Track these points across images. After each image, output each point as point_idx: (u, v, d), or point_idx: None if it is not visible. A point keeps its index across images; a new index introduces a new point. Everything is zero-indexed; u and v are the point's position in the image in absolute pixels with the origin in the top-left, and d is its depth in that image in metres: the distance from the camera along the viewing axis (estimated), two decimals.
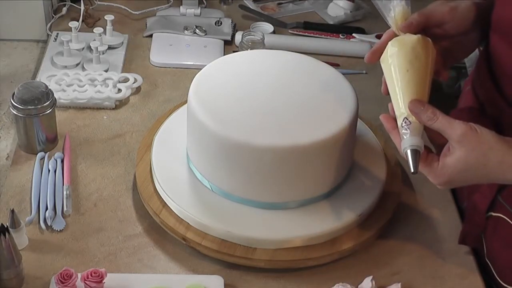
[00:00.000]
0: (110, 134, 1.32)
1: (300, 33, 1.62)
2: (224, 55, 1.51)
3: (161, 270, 1.08)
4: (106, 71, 1.43)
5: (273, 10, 1.70)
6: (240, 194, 1.10)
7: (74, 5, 1.63)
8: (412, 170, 0.93)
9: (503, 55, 1.03)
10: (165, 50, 1.53)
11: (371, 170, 1.19)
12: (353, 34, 1.61)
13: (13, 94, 1.22)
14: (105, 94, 1.36)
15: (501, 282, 1.10)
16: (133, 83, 1.42)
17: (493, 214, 1.09)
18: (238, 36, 1.53)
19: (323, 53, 1.54)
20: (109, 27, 1.52)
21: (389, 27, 1.02)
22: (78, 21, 1.53)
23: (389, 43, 0.99)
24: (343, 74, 1.18)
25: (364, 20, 1.68)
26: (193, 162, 1.16)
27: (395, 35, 1.01)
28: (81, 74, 1.41)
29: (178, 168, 1.17)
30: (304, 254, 1.08)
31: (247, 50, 1.38)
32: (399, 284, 1.06)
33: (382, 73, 1.00)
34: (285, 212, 1.11)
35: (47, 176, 1.20)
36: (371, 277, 1.06)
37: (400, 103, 0.96)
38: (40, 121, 1.23)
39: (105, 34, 1.52)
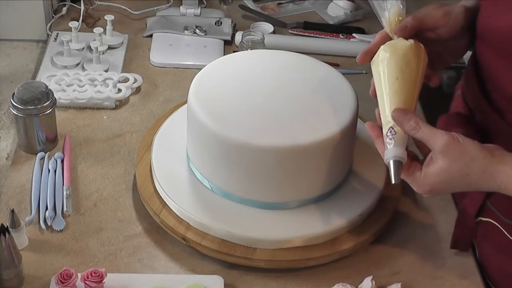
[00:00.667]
0: (110, 134, 1.32)
1: (300, 33, 1.62)
2: (224, 55, 1.51)
3: (161, 270, 1.09)
4: (106, 71, 1.43)
5: (273, 10, 1.70)
6: (240, 194, 1.10)
7: (74, 5, 1.63)
8: (393, 181, 0.94)
9: (488, 62, 1.03)
10: (165, 50, 1.53)
11: (371, 170, 1.19)
12: (353, 34, 1.61)
13: (13, 94, 1.22)
14: (105, 94, 1.36)
15: (493, 287, 1.10)
16: (133, 83, 1.42)
17: (483, 219, 1.09)
18: (238, 36, 1.53)
19: (323, 53, 1.54)
20: (109, 27, 1.52)
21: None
22: (78, 21, 1.53)
23: (381, 47, 0.99)
24: (343, 74, 1.18)
25: (364, 20, 1.68)
26: (193, 162, 1.16)
27: (388, 37, 1.01)
28: (81, 74, 1.41)
29: (178, 168, 1.17)
30: (304, 254, 1.08)
31: (247, 50, 1.38)
32: (399, 284, 1.06)
33: None
34: (285, 212, 1.11)
35: (47, 176, 1.20)
36: (371, 277, 1.06)
37: (386, 111, 0.96)
38: (40, 121, 1.23)
39: (105, 34, 1.51)
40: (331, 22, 1.67)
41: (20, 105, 1.21)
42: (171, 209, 1.12)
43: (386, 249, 1.13)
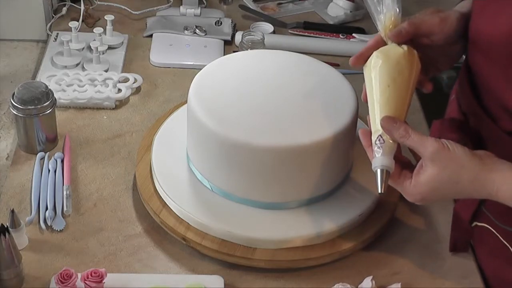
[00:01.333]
0: (110, 134, 1.32)
1: (300, 33, 1.62)
2: (224, 55, 1.51)
3: (161, 270, 1.09)
4: (106, 71, 1.43)
5: (273, 10, 1.70)
6: (240, 194, 1.10)
7: (74, 5, 1.63)
8: (379, 191, 0.94)
9: (480, 67, 1.03)
10: (165, 50, 1.53)
11: (371, 170, 1.18)
12: (353, 34, 1.61)
13: (13, 94, 1.22)
14: (105, 94, 1.36)
15: None
16: (133, 83, 1.42)
17: (478, 224, 1.09)
18: (238, 36, 1.53)
19: (323, 53, 1.54)
20: (109, 27, 1.52)
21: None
22: (78, 21, 1.53)
23: (374, 53, 0.98)
24: (343, 74, 1.18)
25: (364, 20, 1.68)
26: (193, 162, 1.16)
27: (383, 41, 1.00)
28: (81, 74, 1.41)
29: (178, 168, 1.17)
30: (304, 254, 1.08)
31: (247, 50, 1.38)
32: (399, 284, 1.06)
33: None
34: (285, 212, 1.11)
35: (47, 176, 1.20)
36: (371, 277, 1.06)
37: (376, 119, 0.95)
38: (40, 121, 1.23)
39: (105, 34, 1.52)
40: (331, 22, 1.67)
41: (20, 105, 1.21)
42: (171, 209, 1.12)
43: (386, 249, 1.13)
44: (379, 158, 0.94)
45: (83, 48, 1.50)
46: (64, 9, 1.62)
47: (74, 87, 1.38)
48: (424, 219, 1.19)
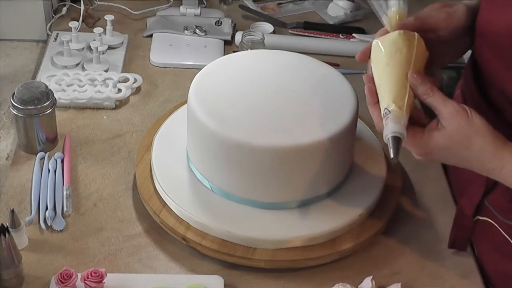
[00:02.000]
0: (110, 134, 1.32)
1: (300, 33, 1.62)
2: (224, 55, 1.51)
3: (161, 270, 1.08)
4: (106, 71, 1.43)
5: (273, 10, 1.70)
6: (240, 194, 1.10)
7: (74, 5, 1.63)
8: (392, 156, 0.93)
9: (487, 61, 1.03)
10: (165, 50, 1.53)
11: (371, 170, 1.19)
12: (353, 34, 1.61)
13: (13, 94, 1.22)
14: (105, 94, 1.36)
15: (491, 286, 1.10)
16: (133, 83, 1.42)
17: (480, 218, 1.09)
18: (238, 36, 1.53)
19: (323, 53, 1.54)
20: (109, 27, 1.52)
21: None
22: (78, 21, 1.53)
23: (374, 40, 1.00)
24: (343, 74, 1.18)
25: (364, 20, 1.68)
26: (193, 162, 1.16)
27: None
28: (81, 74, 1.41)
29: (178, 168, 1.17)
30: (304, 254, 1.08)
31: (247, 50, 1.38)
32: (399, 284, 1.06)
33: None
34: (285, 212, 1.11)
35: (47, 176, 1.20)
36: (371, 277, 1.06)
37: (383, 96, 0.96)
38: (40, 121, 1.23)
39: (105, 34, 1.52)
40: (331, 22, 1.67)
41: (20, 105, 1.21)
42: (171, 209, 1.12)
43: (386, 249, 1.13)
44: (389, 126, 0.94)
45: (83, 48, 1.50)
46: (64, 9, 1.62)
47: (74, 87, 1.37)
48: (424, 219, 1.19)
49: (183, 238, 1.09)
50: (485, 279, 1.11)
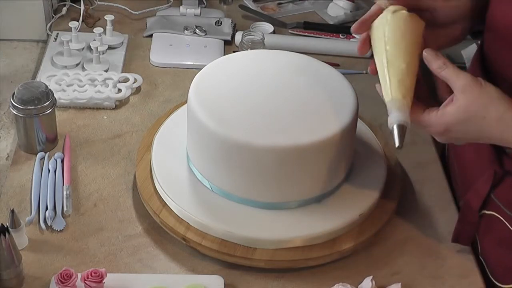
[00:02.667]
0: (110, 134, 1.32)
1: (300, 33, 1.62)
2: (224, 55, 1.51)
3: (161, 270, 1.09)
4: (106, 71, 1.43)
5: (273, 10, 1.70)
6: (240, 194, 1.10)
7: (74, 5, 1.63)
8: (397, 145, 0.93)
9: (496, 55, 1.03)
10: (165, 50, 1.53)
11: (371, 170, 1.19)
12: (353, 34, 1.60)
13: (13, 94, 1.22)
14: (105, 94, 1.36)
15: (494, 281, 1.10)
16: (133, 83, 1.42)
17: (486, 212, 1.09)
18: (238, 36, 1.53)
19: (323, 53, 1.54)
20: (109, 27, 1.52)
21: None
22: (78, 21, 1.53)
23: (374, 22, 1.00)
24: (343, 74, 1.18)
25: None
26: (193, 162, 1.16)
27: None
28: (81, 74, 1.41)
29: (178, 168, 1.17)
30: (304, 254, 1.08)
31: (247, 50, 1.38)
32: (399, 284, 1.06)
33: None
34: (285, 212, 1.11)
35: (47, 176, 1.20)
36: (371, 277, 1.06)
37: (384, 84, 0.96)
38: (40, 121, 1.23)
39: (105, 34, 1.52)
40: (331, 22, 1.67)
41: (20, 105, 1.21)
42: (171, 209, 1.12)
43: (386, 249, 1.13)
44: (394, 115, 0.94)
45: (83, 48, 1.50)
46: (64, 9, 1.62)
47: (74, 87, 1.37)
48: (424, 219, 1.19)
49: (183, 238, 1.09)
50: (488, 275, 1.11)
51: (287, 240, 1.08)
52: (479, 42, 1.15)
